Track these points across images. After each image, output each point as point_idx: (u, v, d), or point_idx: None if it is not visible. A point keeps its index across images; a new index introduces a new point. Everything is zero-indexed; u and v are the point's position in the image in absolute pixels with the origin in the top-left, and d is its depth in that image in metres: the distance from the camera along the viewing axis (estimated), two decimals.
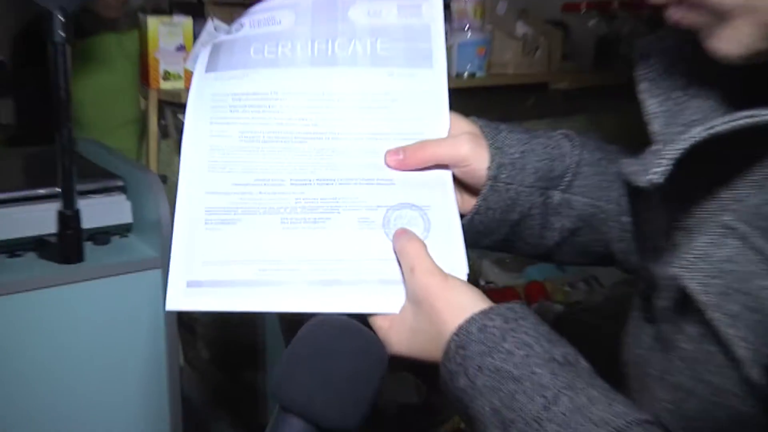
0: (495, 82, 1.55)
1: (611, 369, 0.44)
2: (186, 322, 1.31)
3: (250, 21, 0.59)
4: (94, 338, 1.02)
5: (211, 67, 0.57)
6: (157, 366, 1.07)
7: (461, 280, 0.46)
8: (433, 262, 0.46)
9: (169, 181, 1.39)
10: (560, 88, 1.67)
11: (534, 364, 0.40)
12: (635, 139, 0.48)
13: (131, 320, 1.04)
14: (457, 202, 0.53)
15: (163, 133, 1.33)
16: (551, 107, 1.79)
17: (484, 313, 0.43)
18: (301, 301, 0.47)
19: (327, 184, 0.52)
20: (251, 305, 0.47)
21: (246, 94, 0.55)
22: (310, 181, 0.52)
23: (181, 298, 0.47)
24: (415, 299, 0.46)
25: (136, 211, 1.08)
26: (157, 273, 1.04)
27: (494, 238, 0.55)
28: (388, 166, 0.53)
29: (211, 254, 0.49)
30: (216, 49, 0.58)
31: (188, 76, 1.27)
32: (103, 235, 1.06)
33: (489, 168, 0.52)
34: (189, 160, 0.52)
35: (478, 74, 1.52)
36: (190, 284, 0.48)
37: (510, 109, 1.74)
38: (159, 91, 1.28)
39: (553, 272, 1.80)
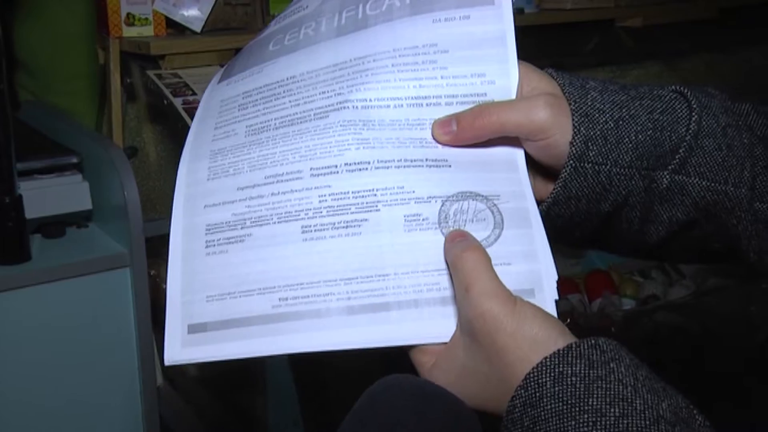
0: (547, 20, 1.49)
1: (704, 387, 0.39)
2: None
3: (278, 18, 0.60)
4: (47, 356, 1.00)
5: (224, 76, 0.58)
6: (129, 386, 1.06)
7: (535, 306, 0.42)
8: (497, 279, 0.42)
9: (139, 154, 1.34)
10: (630, 26, 1.61)
11: (635, 428, 0.36)
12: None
13: (93, 332, 1.02)
14: None
15: (129, 94, 1.28)
16: (618, 51, 1.73)
17: (560, 356, 0.39)
18: (337, 337, 0.45)
19: (359, 169, 0.47)
20: (272, 348, 0.45)
21: (258, 88, 0.54)
22: (336, 167, 0.48)
23: (181, 348, 0.46)
24: (469, 329, 0.42)
25: (96, 194, 1.07)
26: (124, 273, 1.03)
27: (577, 235, 0.52)
28: (437, 141, 0.49)
29: (216, 286, 0.47)
30: (233, 59, 0.60)
31: (158, 20, 1.21)
32: (55, 226, 1.05)
33: (572, 143, 0.47)
34: (184, 175, 0.52)
35: (527, 9, 1.48)
36: (193, 329, 0.46)
37: (565, 53, 1.67)
38: (121, 40, 1.23)
39: (618, 258, 1.77)
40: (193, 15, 1.24)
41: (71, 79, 1.26)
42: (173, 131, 1.38)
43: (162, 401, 1.14)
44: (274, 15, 1.31)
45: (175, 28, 1.25)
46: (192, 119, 1.05)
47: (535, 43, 1.40)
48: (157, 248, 1.33)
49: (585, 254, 1.76)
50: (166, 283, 1.21)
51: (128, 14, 1.22)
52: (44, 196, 1.02)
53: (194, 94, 1.09)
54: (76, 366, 1.02)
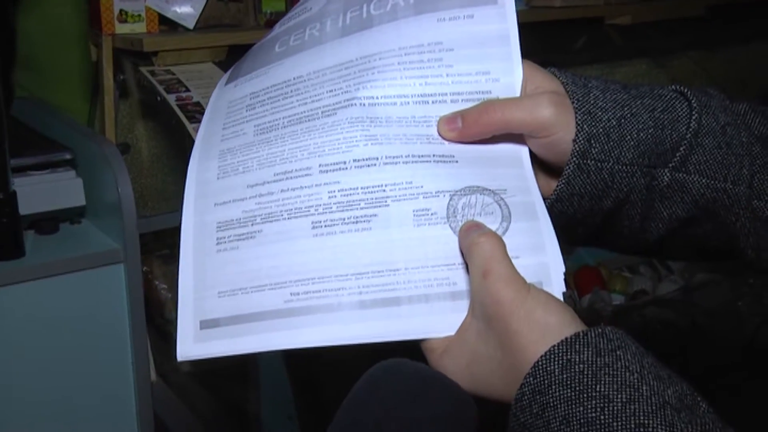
0: (537, 18, 1.50)
1: (693, 382, 0.40)
2: (159, 327, 1.28)
3: (282, 20, 0.60)
4: (40, 351, 1.00)
5: (231, 78, 0.59)
6: (122, 382, 1.06)
7: (547, 293, 0.42)
8: (512, 266, 0.42)
9: (131, 151, 1.34)
10: (618, 24, 1.62)
11: (641, 413, 0.37)
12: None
13: (87, 328, 1.02)
14: None
15: (122, 90, 1.28)
16: (606, 48, 1.74)
17: (568, 344, 0.39)
18: (349, 331, 0.45)
19: (368, 165, 0.48)
20: (284, 342, 0.45)
21: (265, 89, 0.55)
22: (345, 164, 0.48)
23: (193, 344, 0.46)
24: (483, 314, 0.43)
25: (89, 190, 1.07)
26: (118, 269, 1.03)
27: (579, 232, 0.52)
28: (443, 137, 0.49)
29: (228, 282, 0.47)
30: (239, 62, 0.60)
31: (151, 16, 1.21)
32: (48, 222, 1.05)
33: (575, 140, 0.48)
34: (194, 175, 0.52)
35: (517, 7, 1.45)
36: (205, 325, 0.46)
37: (554, 51, 1.68)
38: (114, 36, 1.23)
39: (607, 254, 1.76)
40: (185, 12, 1.24)
41: (65, 76, 1.26)
42: (166, 128, 1.37)
43: (155, 397, 1.14)
44: (266, 12, 1.32)
45: (168, 24, 1.25)
46: (185, 116, 1.05)
47: (525, 40, 1.41)
48: (149, 245, 1.33)
49: (574, 250, 1.76)
50: (158, 279, 1.20)
51: (121, 11, 1.21)
52: (38, 192, 1.02)
53: (187, 90, 1.09)
54: (69, 361, 1.02)
